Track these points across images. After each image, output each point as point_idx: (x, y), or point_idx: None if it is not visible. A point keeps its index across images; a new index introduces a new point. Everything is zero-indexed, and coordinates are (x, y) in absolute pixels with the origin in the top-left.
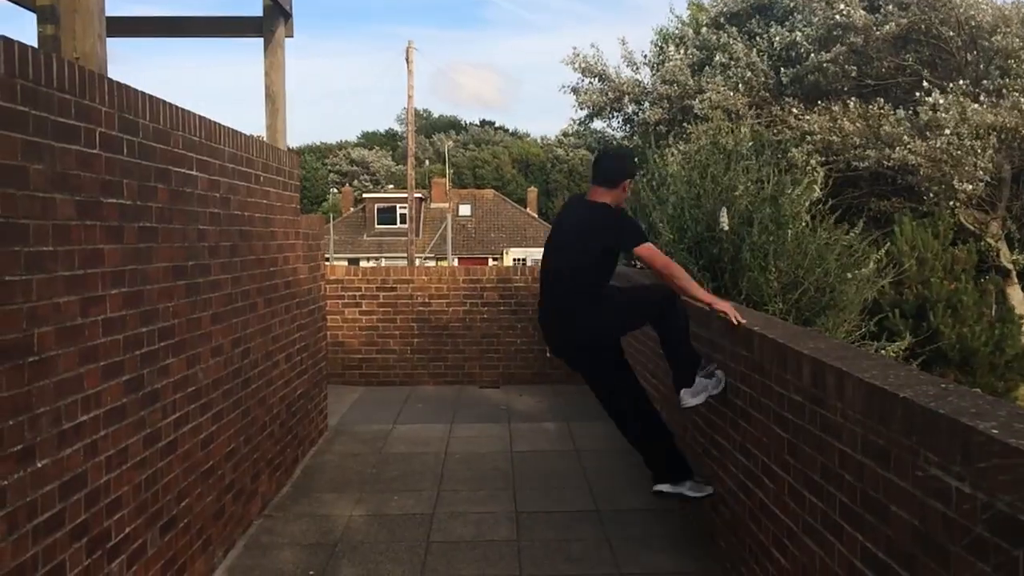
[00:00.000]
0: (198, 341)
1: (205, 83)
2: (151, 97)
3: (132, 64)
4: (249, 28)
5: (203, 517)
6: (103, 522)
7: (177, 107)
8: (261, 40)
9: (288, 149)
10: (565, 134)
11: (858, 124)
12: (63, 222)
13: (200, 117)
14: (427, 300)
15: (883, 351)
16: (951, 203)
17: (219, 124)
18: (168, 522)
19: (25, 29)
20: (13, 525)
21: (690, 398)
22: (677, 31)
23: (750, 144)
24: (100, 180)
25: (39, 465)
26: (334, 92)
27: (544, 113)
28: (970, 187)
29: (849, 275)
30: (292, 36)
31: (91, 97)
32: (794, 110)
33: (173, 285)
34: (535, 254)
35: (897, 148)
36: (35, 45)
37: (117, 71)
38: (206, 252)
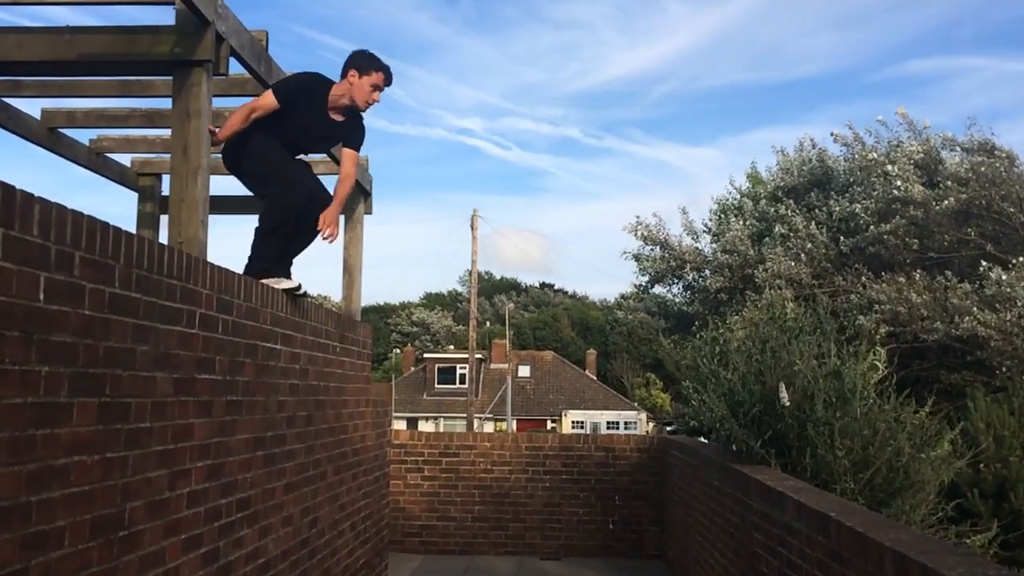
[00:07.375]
0: (271, 511)
1: None
2: (246, 278)
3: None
4: None
5: None
6: None
7: (268, 286)
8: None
9: (361, 320)
10: (624, 297)
11: (924, 296)
12: (160, 399)
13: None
14: (489, 467)
15: (966, 541)
16: None
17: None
18: None
19: (125, 203)
20: None
21: None
22: (735, 202)
23: (808, 319)
24: (196, 357)
25: None
26: (398, 254)
27: (596, 274)
28: None
29: (923, 455)
30: (371, 213)
31: (194, 281)
32: (863, 278)
33: (252, 456)
34: (594, 416)
35: (966, 319)
36: (135, 223)
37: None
38: (284, 423)
